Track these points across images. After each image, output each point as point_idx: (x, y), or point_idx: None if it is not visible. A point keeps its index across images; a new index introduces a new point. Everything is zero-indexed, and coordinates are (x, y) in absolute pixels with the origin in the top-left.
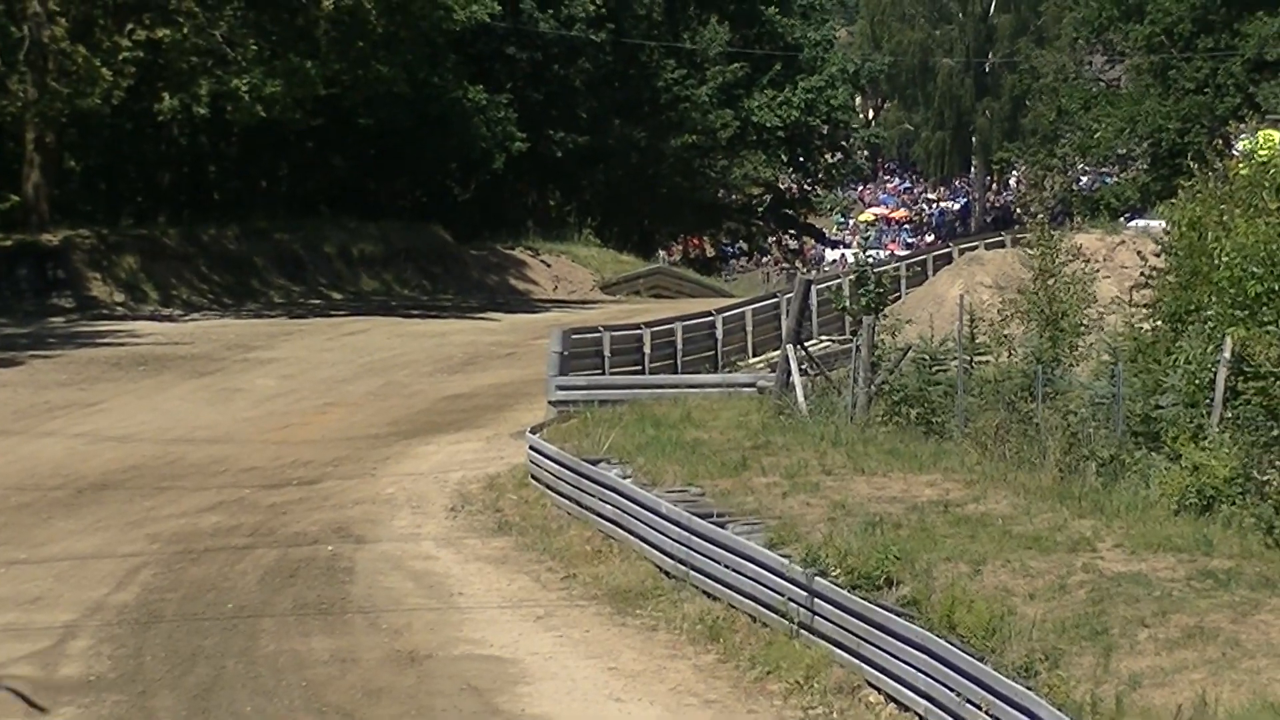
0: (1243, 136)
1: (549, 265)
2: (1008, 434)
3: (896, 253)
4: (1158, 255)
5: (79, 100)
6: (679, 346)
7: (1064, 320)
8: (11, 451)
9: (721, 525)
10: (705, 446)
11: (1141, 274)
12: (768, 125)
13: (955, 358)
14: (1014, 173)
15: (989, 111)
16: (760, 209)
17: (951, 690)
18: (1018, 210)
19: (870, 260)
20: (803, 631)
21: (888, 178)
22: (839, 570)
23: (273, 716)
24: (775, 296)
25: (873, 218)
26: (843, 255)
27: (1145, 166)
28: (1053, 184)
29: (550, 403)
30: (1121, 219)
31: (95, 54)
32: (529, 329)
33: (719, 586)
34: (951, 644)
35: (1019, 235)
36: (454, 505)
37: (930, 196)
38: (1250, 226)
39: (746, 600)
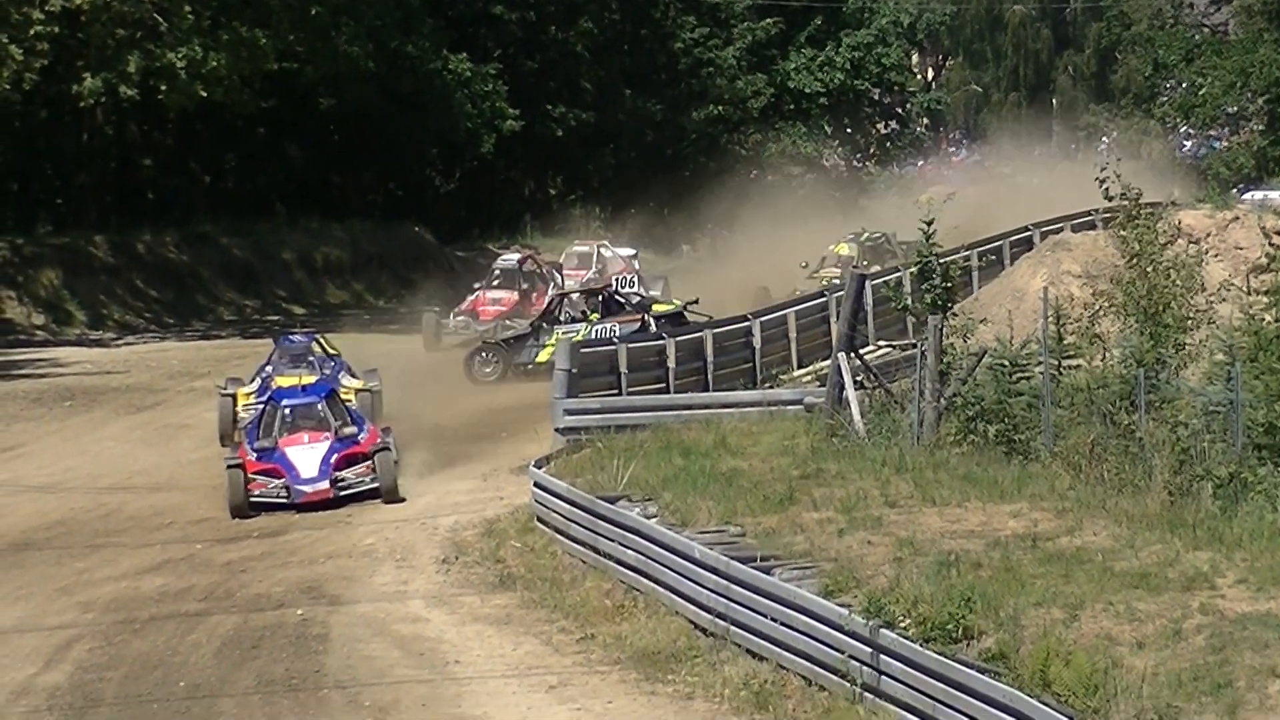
0: None
1: None
2: (1105, 452)
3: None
4: None
5: None
6: (709, 358)
7: (1167, 314)
8: None
9: (767, 571)
10: (744, 477)
11: (1263, 255)
12: (807, 91)
13: (1040, 363)
14: (1103, 140)
15: (1071, 68)
16: (801, 191)
17: None
18: (1107, 186)
19: (934, 249)
20: (867, 694)
21: (952, 150)
22: (908, 621)
23: None
24: (823, 295)
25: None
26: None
27: (1261, 127)
28: (1150, 151)
29: (557, 430)
30: (1234, 190)
31: (1, 29)
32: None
33: (766, 644)
34: (1046, 705)
35: (1110, 214)
36: (446, 556)
37: (1004, 170)
38: None
39: (799, 659)
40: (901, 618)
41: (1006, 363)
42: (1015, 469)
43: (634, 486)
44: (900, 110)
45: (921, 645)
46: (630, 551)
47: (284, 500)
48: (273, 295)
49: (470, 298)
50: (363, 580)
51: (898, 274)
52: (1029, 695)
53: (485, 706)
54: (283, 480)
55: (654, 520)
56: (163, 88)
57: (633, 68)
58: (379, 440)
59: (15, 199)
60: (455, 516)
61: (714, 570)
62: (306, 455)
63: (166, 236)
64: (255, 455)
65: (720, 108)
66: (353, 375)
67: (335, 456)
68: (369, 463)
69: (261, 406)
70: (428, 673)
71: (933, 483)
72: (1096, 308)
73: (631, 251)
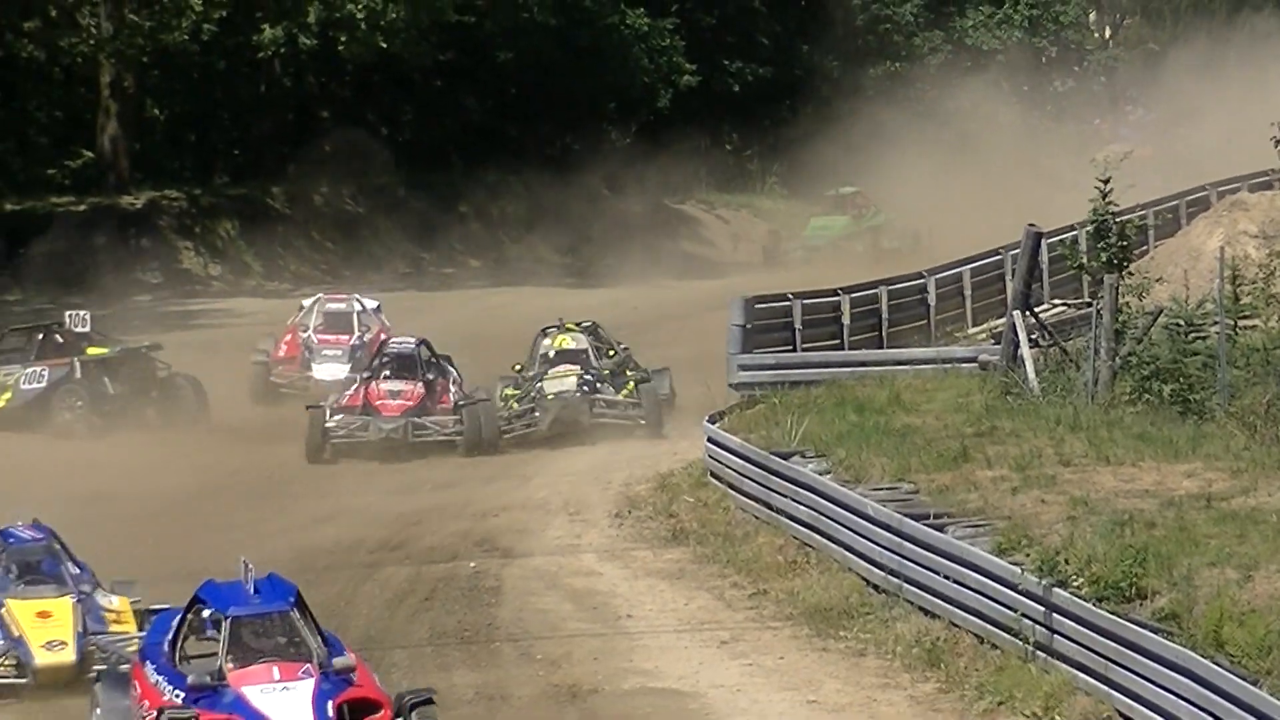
0: None
1: (726, 222)
2: None
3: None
4: None
5: (162, 35)
6: (884, 315)
7: None
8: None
9: (940, 529)
10: (918, 434)
11: None
12: (984, 48)
13: (1216, 322)
14: None
15: (1250, 25)
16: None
17: None
18: None
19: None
20: (1039, 653)
21: (1129, 108)
22: (1081, 580)
23: None
24: (998, 253)
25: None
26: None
27: None
28: None
29: (731, 385)
30: None
31: None
32: (703, 298)
33: (938, 601)
34: (1220, 666)
35: None
36: (619, 511)
37: (1180, 129)
38: None
39: (971, 617)
40: (1074, 576)
41: (1182, 322)
42: (1190, 428)
43: (807, 442)
44: (1077, 68)
45: (1094, 604)
46: (803, 507)
47: None
48: (449, 248)
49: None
50: (536, 533)
51: (1073, 231)
52: (1202, 656)
53: (657, 661)
54: None
55: (827, 476)
56: (342, 39)
57: (810, 23)
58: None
59: (193, 150)
60: (628, 470)
61: (887, 527)
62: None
63: (342, 189)
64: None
65: (897, 64)
66: None
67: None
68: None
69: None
70: (600, 626)
71: (1107, 441)
72: (1273, 267)
73: (375, 303)
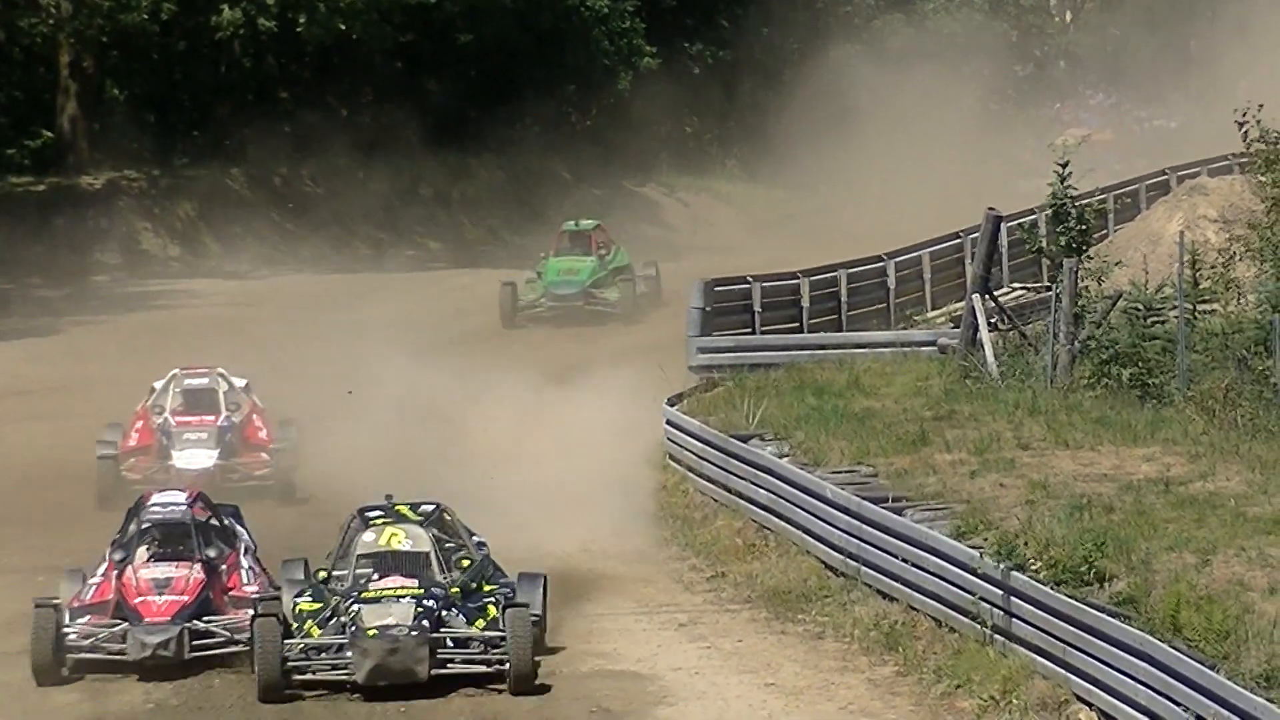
0: None
1: (687, 205)
2: (1239, 397)
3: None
4: None
5: (121, 15)
6: (843, 298)
7: None
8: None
9: (899, 512)
10: (877, 418)
11: None
12: (945, 32)
13: (1175, 307)
14: (1242, 82)
15: (1211, 10)
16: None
17: (1178, 705)
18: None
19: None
20: (998, 637)
21: (1089, 92)
22: (1040, 564)
23: None
24: (958, 236)
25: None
26: None
27: None
28: None
29: (691, 368)
30: None
31: None
32: (663, 280)
33: (896, 585)
34: (1177, 650)
35: (1247, 157)
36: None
37: (1140, 114)
38: None
39: (930, 600)
40: (1033, 560)
41: (1141, 306)
42: (1149, 413)
43: (766, 425)
44: (1038, 52)
45: (1052, 588)
46: (762, 490)
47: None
48: (410, 230)
49: None
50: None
51: (1033, 215)
52: (1160, 640)
53: (615, 643)
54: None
55: (786, 460)
56: (301, 20)
57: (770, 5)
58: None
59: (152, 130)
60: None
61: (846, 510)
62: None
63: (302, 170)
64: None
65: (857, 46)
66: None
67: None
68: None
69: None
70: (558, 608)
71: (1066, 425)
72: (1232, 252)
73: (244, 381)
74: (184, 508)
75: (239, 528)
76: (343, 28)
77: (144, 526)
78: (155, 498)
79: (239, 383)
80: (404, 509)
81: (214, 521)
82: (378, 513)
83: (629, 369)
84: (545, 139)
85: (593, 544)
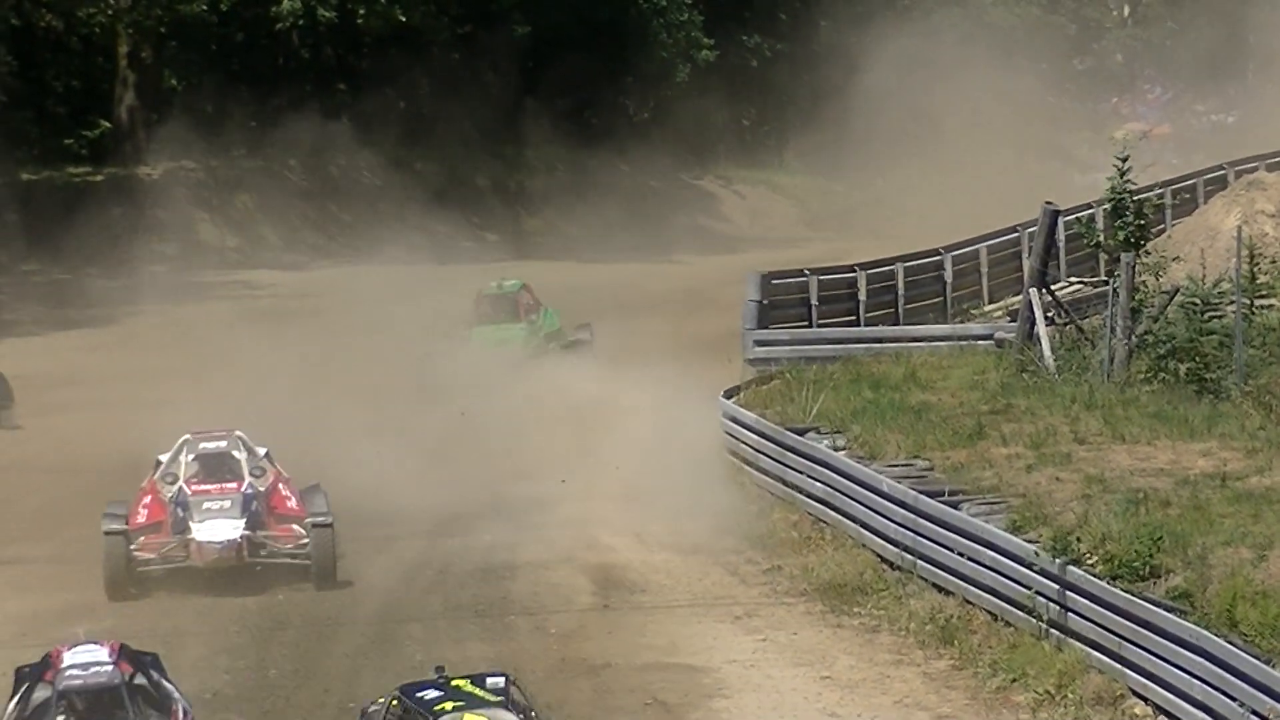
0: None
1: (743, 198)
2: None
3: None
4: None
5: (180, 6)
6: (900, 292)
7: None
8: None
9: (955, 506)
10: (934, 411)
11: None
12: (1003, 25)
13: (1233, 301)
14: None
15: (1270, 3)
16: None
17: (1233, 700)
18: None
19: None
20: (1053, 631)
21: (1147, 86)
22: (1096, 558)
23: None
24: (1015, 230)
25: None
26: None
27: None
28: None
29: (747, 361)
30: None
31: None
32: (719, 273)
33: (952, 578)
34: (1233, 644)
35: None
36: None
37: (1198, 108)
38: None
39: (985, 594)
40: (1089, 554)
41: (1198, 301)
42: (1205, 408)
43: (823, 419)
44: (1096, 45)
45: (1108, 582)
46: (818, 484)
47: None
48: (465, 221)
49: None
50: (550, 508)
51: (1090, 210)
52: (1216, 635)
53: (670, 636)
54: None
55: (842, 453)
56: (360, 11)
57: None
58: None
59: (210, 121)
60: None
61: (902, 504)
62: None
63: (360, 160)
64: None
65: (915, 40)
66: None
67: None
68: None
69: None
70: (614, 601)
71: (1122, 420)
72: None
73: (264, 449)
74: (110, 666)
75: (166, 684)
76: (402, 19)
77: (60, 693)
78: (69, 656)
79: (260, 450)
80: (466, 685)
81: (140, 680)
82: (434, 693)
83: (685, 362)
84: (602, 130)
85: (648, 536)
